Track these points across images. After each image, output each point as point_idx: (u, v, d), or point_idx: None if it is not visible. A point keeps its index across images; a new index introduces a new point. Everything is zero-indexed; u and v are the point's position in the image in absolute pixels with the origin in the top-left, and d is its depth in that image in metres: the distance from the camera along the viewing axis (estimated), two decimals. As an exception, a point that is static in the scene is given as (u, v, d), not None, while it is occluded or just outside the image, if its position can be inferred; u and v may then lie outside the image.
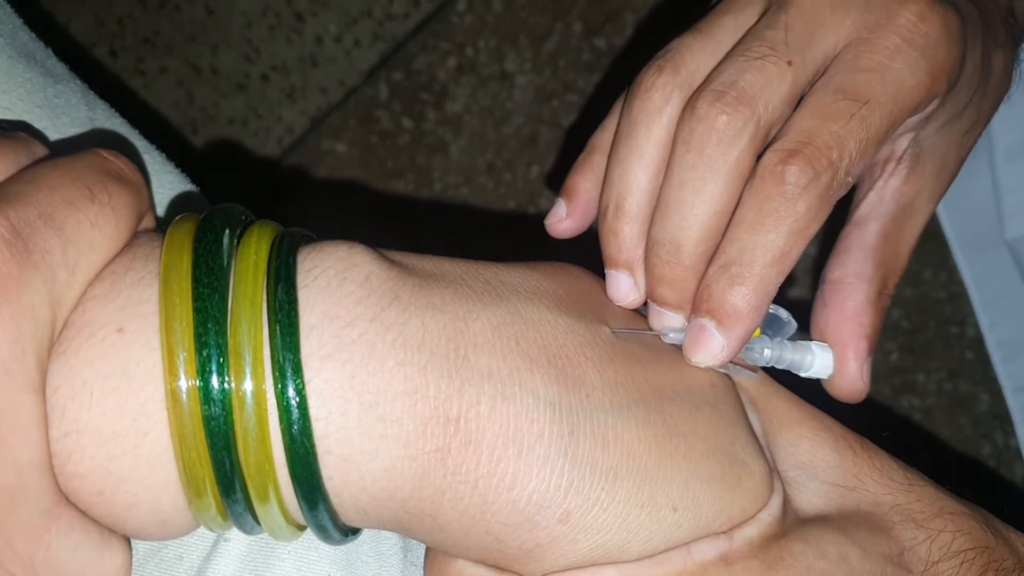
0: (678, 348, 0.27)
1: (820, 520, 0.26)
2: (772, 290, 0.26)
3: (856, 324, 0.30)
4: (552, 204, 0.32)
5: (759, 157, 0.27)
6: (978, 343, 0.74)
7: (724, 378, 0.28)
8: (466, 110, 0.77)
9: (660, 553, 0.24)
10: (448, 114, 0.77)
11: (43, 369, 0.21)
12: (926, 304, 0.76)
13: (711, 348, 0.26)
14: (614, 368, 0.25)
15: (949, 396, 0.75)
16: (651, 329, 0.28)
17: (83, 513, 0.22)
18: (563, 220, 0.31)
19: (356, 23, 0.77)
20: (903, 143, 0.31)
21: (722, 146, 0.26)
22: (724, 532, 0.25)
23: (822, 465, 0.27)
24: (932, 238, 0.72)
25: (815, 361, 0.29)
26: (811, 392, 0.30)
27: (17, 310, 0.20)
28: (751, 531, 0.25)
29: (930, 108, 0.28)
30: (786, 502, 0.26)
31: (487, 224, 0.76)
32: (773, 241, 0.26)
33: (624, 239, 0.28)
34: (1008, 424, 0.73)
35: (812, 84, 0.27)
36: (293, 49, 0.78)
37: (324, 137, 0.78)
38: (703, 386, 0.27)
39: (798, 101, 0.27)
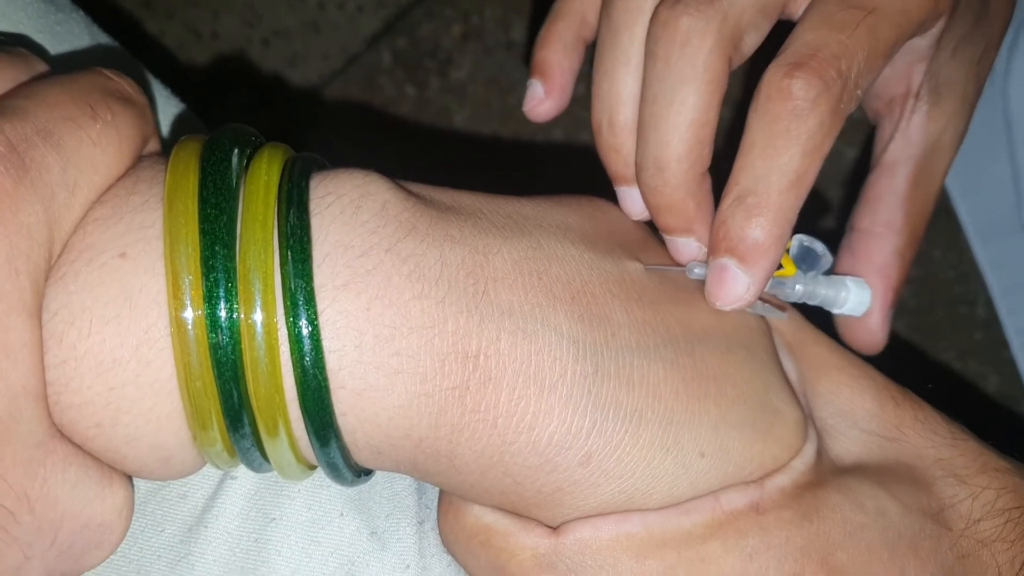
0: None
1: (858, 471, 0.25)
2: (792, 217, 0.24)
3: (884, 276, 0.30)
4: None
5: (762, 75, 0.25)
6: (988, 323, 0.73)
7: (760, 321, 0.26)
8: (471, 79, 0.75)
9: (687, 501, 0.23)
10: (452, 82, 0.75)
11: (39, 292, 0.19)
12: (935, 284, 0.74)
13: (735, 289, 0.24)
14: (642, 307, 0.24)
15: (958, 376, 0.74)
16: (679, 265, 0.26)
17: (81, 448, 0.20)
18: (543, 101, 0.30)
19: (360, -12, 0.75)
20: (917, 76, 0.30)
21: (688, 49, 0.24)
22: (755, 481, 0.23)
23: (862, 413, 0.26)
24: (942, 217, 0.71)
25: (850, 297, 0.27)
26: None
27: (11, 228, 0.19)
28: (784, 479, 0.23)
29: (936, 29, 0.27)
30: (821, 451, 0.25)
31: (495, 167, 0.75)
32: (787, 164, 0.24)
33: (626, 154, 0.27)
34: (1017, 404, 0.73)
35: None
36: (295, 15, 0.76)
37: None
38: (738, 328, 0.25)
39: (776, 14, 0.26)
